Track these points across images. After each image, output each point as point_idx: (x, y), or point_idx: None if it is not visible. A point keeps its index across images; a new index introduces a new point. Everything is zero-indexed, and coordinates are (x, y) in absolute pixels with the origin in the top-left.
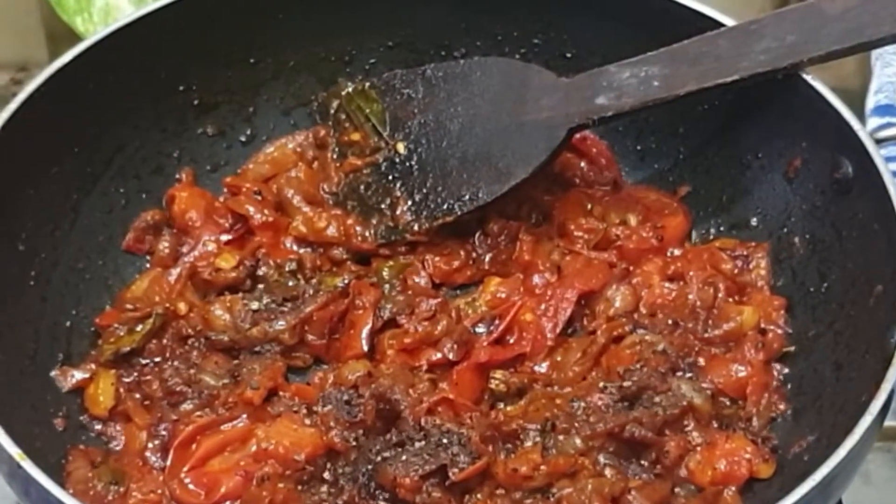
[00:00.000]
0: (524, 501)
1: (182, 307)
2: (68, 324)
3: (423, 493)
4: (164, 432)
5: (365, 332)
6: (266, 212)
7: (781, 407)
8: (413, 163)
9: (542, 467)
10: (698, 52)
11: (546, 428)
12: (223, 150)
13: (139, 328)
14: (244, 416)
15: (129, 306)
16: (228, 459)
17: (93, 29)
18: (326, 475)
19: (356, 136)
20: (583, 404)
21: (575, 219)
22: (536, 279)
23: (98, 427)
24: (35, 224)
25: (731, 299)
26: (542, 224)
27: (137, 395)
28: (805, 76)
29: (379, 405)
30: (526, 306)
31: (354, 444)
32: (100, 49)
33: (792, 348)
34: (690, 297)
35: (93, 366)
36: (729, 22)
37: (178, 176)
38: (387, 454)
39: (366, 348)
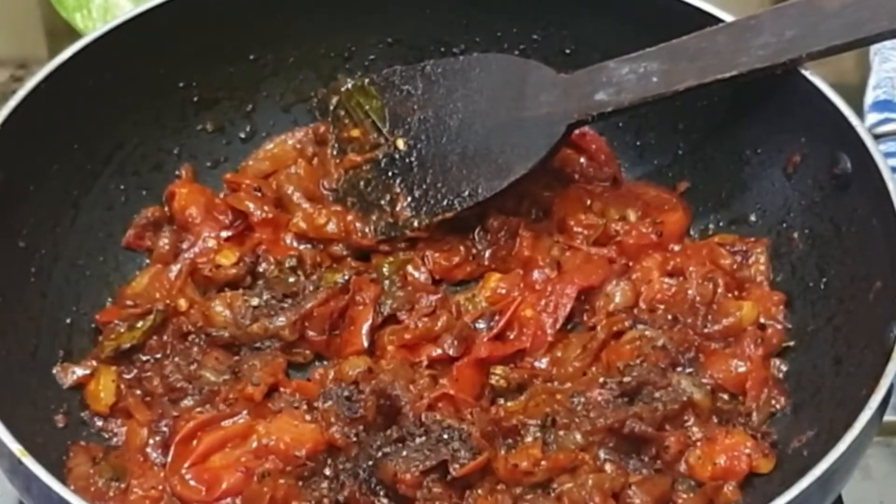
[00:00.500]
0: (525, 497)
1: (182, 304)
2: (69, 320)
3: (424, 489)
4: (164, 428)
5: (365, 328)
6: (266, 208)
7: (781, 402)
8: (413, 159)
9: (543, 463)
10: (697, 48)
11: (546, 423)
12: (223, 146)
13: (140, 325)
14: (245, 412)
15: (129, 303)
16: (229, 455)
17: (92, 26)
18: (327, 471)
19: (356, 133)
20: (583, 400)
21: (574, 214)
22: (536, 275)
23: (99, 423)
24: (35, 221)
25: (730, 295)
26: (541, 220)
27: (138, 392)
28: (804, 72)
29: (379, 401)
30: (526, 302)
31: (355, 440)
32: (99, 46)
33: (791, 343)
34: (690, 292)
35: (93, 362)
36: (728, 17)
37: (177, 172)
38: (387, 450)
39: (366, 344)
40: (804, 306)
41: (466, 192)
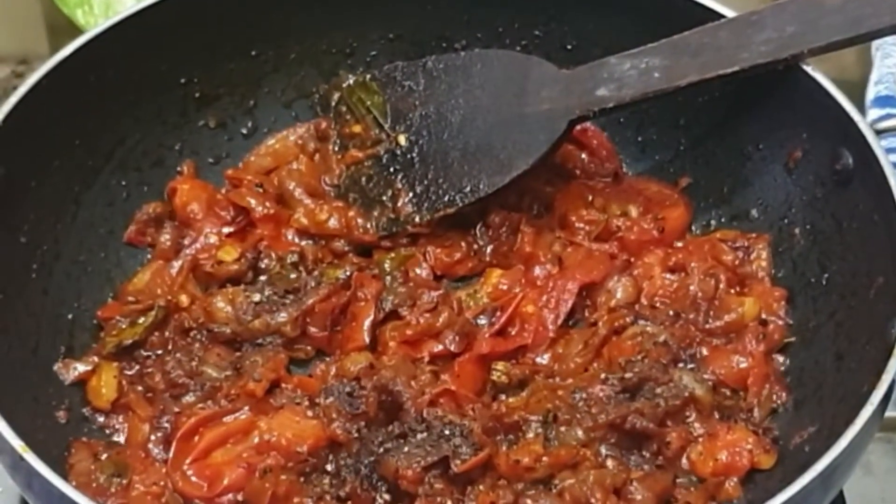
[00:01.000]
0: (526, 493)
1: (184, 300)
2: (70, 316)
3: (426, 485)
4: (166, 424)
5: (367, 323)
6: (268, 204)
7: (782, 398)
8: (414, 155)
9: (544, 458)
10: (699, 44)
11: (548, 419)
12: (224, 142)
13: (141, 321)
14: (246, 408)
15: (131, 299)
16: (231, 451)
17: (94, 22)
18: (329, 467)
19: (357, 129)
20: (584, 395)
21: (576, 210)
22: (538, 271)
23: (100, 419)
24: (37, 217)
25: (731, 290)
26: (543, 215)
27: (140, 388)
28: (805, 67)
29: (381, 397)
30: (527, 298)
31: (356, 435)
32: (101, 42)
33: (793, 339)
34: (691, 288)
35: (95, 358)
36: (729, 13)
37: (179, 168)
38: (389, 446)
39: (367, 340)
40: (806, 302)
41: (468, 188)
